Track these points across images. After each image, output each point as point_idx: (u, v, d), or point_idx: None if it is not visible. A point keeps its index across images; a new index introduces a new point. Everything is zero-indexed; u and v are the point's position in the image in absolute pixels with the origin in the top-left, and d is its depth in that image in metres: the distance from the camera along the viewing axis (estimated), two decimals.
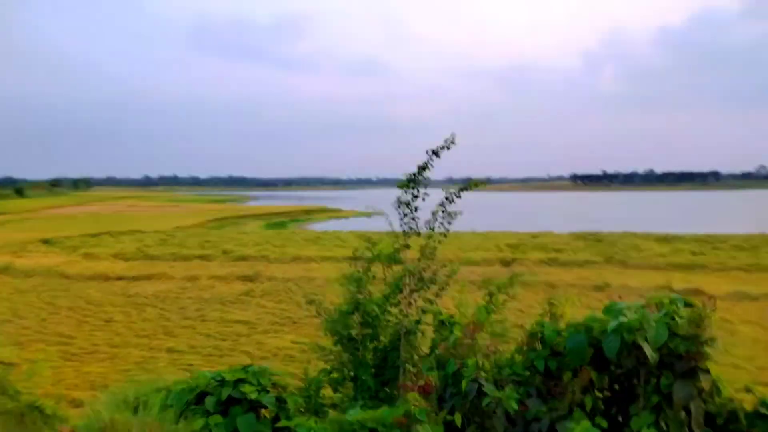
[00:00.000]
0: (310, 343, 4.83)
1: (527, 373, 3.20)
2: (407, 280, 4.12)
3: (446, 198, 4.20)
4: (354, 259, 4.36)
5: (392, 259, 4.25)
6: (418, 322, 4.13)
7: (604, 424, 2.89)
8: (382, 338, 4.20)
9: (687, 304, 3.08)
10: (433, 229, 4.19)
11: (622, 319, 2.86)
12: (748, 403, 3.08)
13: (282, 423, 2.89)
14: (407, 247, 4.21)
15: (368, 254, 4.31)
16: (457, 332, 3.76)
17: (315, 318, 13.48)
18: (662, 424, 2.88)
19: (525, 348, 3.32)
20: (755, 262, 20.32)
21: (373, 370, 4.13)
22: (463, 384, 3.00)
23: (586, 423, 2.69)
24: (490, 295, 4.10)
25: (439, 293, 4.22)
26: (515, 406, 2.85)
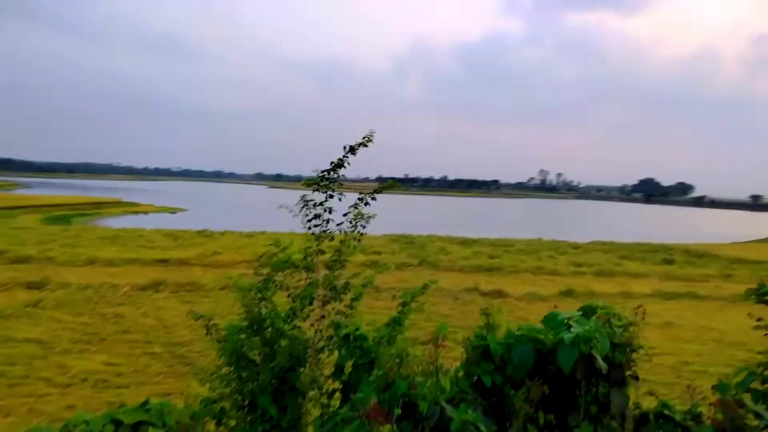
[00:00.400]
0: (197, 366, 3.90)
1: (470, 390, 2.98)
2: (320, 291, 3.61)
3: (359, 199, 3.80)
4: (259, 264, 3.71)
5: (306, 266, 3.68)
6: (331, 337, 3.64)
7: None
8: (278, 358, 3.60)
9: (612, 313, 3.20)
10: (347, 233, 3.74)
11: (576, 330, 2.81)
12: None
13: None
14: (321, 252, 3.68)
15: (276, 259, 3.68)
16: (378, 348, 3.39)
17: (129, 334, 11.47)
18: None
19: (465, 363, 3.09)
20: (539, 265, 23.77)
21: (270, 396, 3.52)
22: (423, 406, 2.64)
23: None
24: (404, 304, 3.81)
25: (353, 304, 3.78)
26: (484, 429, 2.58)
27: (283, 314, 3.61)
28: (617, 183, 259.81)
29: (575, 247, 32.03)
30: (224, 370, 3.48)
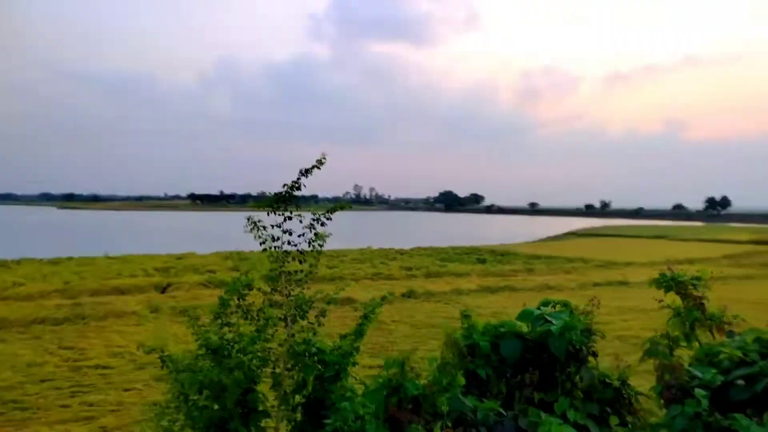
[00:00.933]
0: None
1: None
2: (288, 310, 3.33)
3: (315, 219, 3.63)
4: (219, 285, 3.31)
5: (273, 288, 3.36)
6: (297, 355, 3.36)
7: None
8: (242, 381, 3.24)
9: (565, 304, 3.55)
10: (306, 252, 3.54)
11: (559, 323, 3.05)
12: None
13: None
14: (288, 273, 3.40)
15: (241, 278, 3.26)
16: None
17: None
18: (574, 404, 3.23)
19: (455, 359, 3.14)
20: (376, 271, 24.82)
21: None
22: (442, 401, 2.61)
23: (562, 427, 2.73)
24: (365, 316, 3.71)
25: (319, 322, 3.54)
26: (504, 413, 2.66)
27: (246, 338, 3.23)
28: (422, 195, 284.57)
29: (401, 252, 34.23)
30: (181, 400, 2.99)
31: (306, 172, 3.59)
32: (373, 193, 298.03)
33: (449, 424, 2.62)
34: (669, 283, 3.71)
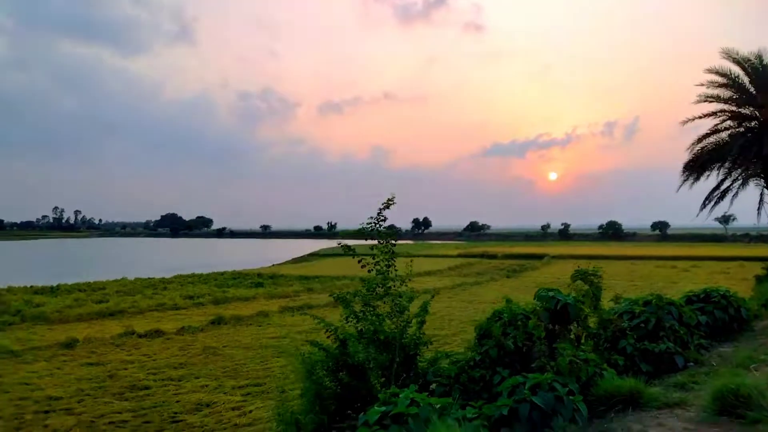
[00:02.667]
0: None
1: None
2: (398, 300, 4.69)
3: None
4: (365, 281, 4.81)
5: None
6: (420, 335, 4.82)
7: None
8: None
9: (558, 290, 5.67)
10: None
11: (569, 298, 5.10)
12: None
13: None
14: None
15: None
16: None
17: None
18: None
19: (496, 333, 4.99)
20: (158, 302, 23.29)
21: None
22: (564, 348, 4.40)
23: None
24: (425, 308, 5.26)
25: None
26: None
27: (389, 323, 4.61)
28: (141, 219, 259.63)
29: (168, 281, 32.18)
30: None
31: (387, 206, 4.87)
32: (80, 217, 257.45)
33: None
34: (581, 275, 6.19)
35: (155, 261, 65.68)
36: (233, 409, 9.62)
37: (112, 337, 15.90)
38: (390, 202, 5.20)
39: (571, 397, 3.94)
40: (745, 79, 18.63)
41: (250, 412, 9.26)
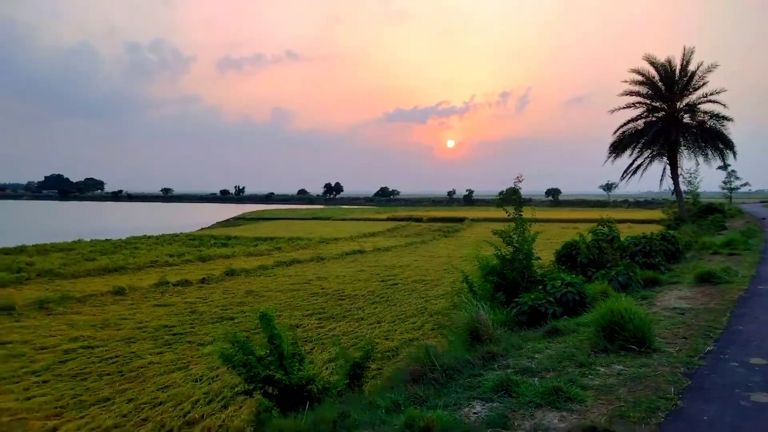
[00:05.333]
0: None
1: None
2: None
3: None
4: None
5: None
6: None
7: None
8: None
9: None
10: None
11: (582, 244, 9.02)
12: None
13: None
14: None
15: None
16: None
17: None
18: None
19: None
20: (152, 259, 24.72)
21: None
22: (618, 259, 8.29)
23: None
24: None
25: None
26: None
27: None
28: (21, 180, 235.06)
29: (129, 243, 32.70)
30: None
31: (516, 187, 8.45)
32: None
33: None
34: (604, 223, 10.15)
35: (71, 226, 62.45)
36: (318, 327, 12.69)
37: (149, 287, 17.72)
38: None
39: (635, 277, 7.91)
40: (659, 80, 24.65)
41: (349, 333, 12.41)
